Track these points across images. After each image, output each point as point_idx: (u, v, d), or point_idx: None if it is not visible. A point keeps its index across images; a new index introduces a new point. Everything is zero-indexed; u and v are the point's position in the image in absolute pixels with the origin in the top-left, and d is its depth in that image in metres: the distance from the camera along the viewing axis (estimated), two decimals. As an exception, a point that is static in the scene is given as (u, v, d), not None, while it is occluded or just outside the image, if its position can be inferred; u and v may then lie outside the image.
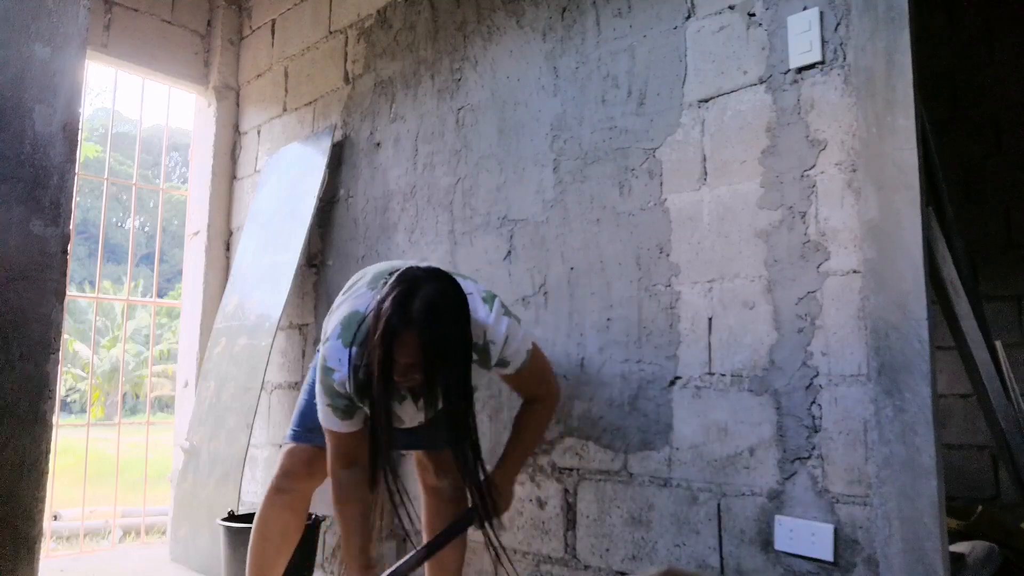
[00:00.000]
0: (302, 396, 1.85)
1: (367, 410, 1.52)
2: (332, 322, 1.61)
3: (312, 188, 2.79)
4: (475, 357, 1.55)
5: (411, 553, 1.66)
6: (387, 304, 1.41)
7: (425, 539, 1.93)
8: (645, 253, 1.86)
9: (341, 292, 1.75)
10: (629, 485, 1.84)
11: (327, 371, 1.54)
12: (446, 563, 1.87)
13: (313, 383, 1.81)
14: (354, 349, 1.51)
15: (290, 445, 1.82)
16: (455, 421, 1.48)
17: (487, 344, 1.58)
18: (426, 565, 1.91)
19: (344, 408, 1.55)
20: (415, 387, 1.48)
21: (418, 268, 1.50)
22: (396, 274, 1.48)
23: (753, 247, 1.66)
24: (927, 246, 1.43)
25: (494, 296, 1.62)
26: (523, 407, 1.74)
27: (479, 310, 1.57)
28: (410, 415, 1.67)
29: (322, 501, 1.92)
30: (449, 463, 1.85)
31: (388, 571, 1.61)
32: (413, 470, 2.05)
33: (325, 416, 1.58)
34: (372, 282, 1.63)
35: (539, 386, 1.71)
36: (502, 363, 1.62)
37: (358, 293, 1.62)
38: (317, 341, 2.38)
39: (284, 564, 1.84)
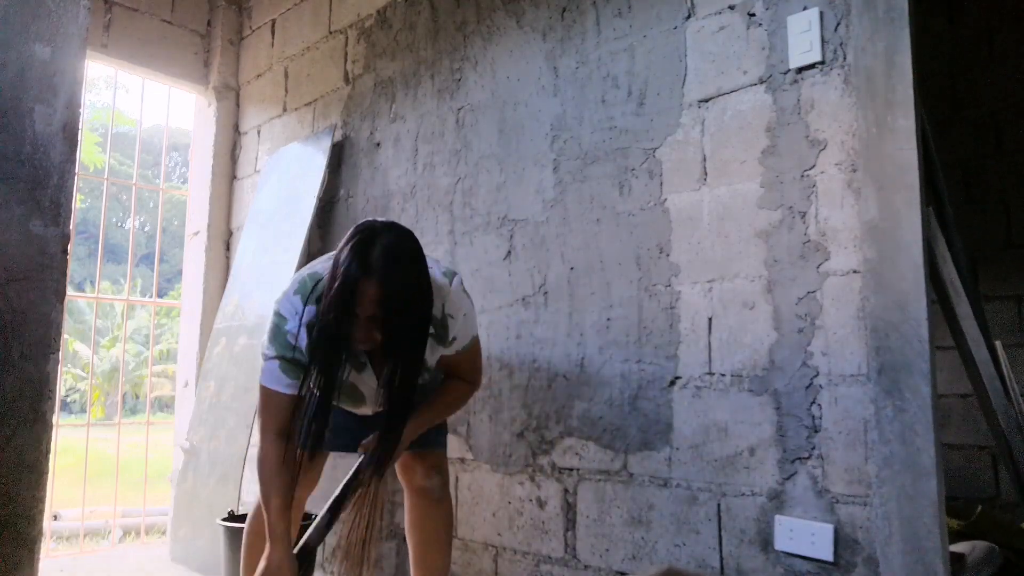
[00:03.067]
0: None
1: (315, 371, 1.51)
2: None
3: (312, 188, 2.79)
4: (432, 331, 1.56)
5: (318, 517, 1.64)
6: (345, 254, 1.41)
7: (409, 542, 1.91)
8: (645, 253, 1.86)
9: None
10: (629, 485, 1.84)
11: (280, 320, 1.53)
12: (433, 568, 1.86)
13: None
14: (310, 307, 1.52)
15: None
16: (403, 377, 1.49)
17: (445, 318, 1.59)
18: (412, 567, 1.90)
19: (294, 365, 1.53)
20: (372, 348, 1.48)
21: (375, 220, 1.50)
22: (354, 227, 1.48)
23: (753, 247, 1.67)
24: (927, 246, 1.43)
25: (454, 273, 1.63)
26: (446, 380, 1.74)
27: (439, 279, 1.57)
28: (370, 388, 1.66)
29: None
30: (436, 463, 1.84)
31: (304, 537, 1.60)
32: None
33: (271, 373, 1.54)
34: (333, 254, 1.63)
35: (471, 372, 1.74)
36: (451, 341, 1.63)
37: (317, 262, 1.63)
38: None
39: None
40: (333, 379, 1.51)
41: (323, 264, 1.59)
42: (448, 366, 1.71)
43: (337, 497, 1.66)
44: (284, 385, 1.54)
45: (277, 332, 1.54)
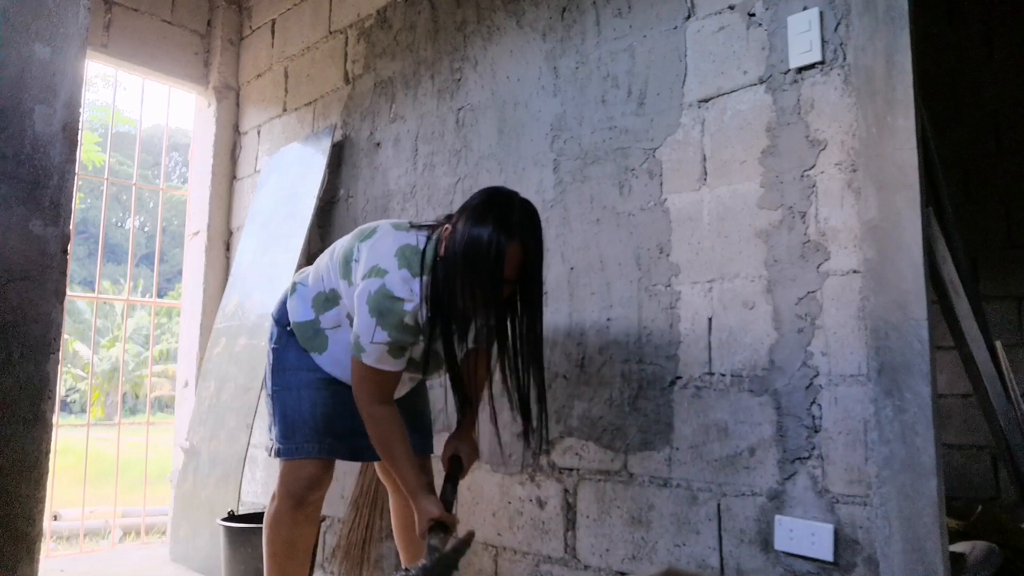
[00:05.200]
0: (279, 404, 1.72)
1: (426, 341, 1.52)
2: (366, 260, 1.55)
3: (312, 188, 2.79)
4: None
5: (442, 489, 1.67)
6: (490, 224, 1.41)
7: (399, 543, 1.91)
8: (645, 253, 1.86)
9: (333, 254, 1.69)
10: (629, 485, 1.83)
11: (395, 303, 1.48)
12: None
13: (288, 388, 1.71)
14: (425, 278, 1.48)
15: (295, 460, 1.69)
16: (535, 328, 1.52)
17: None
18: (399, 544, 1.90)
19: (406, 344, 1.53)
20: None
21: (500, 188, 1.53)
22: (479, 198, 1.49)
23: (753, 247, 1.67)
24: (927, 246, 1.43)
25: None
26: (476, 354, 1.73)
27: None
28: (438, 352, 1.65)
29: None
30: (421, 464, 1.81)
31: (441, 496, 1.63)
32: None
33: (376, 355, 1.51)
34: (396, 227, 1.60)
35: None
36: None
37: (389, 233, 1.58)
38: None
39: None
40: (457, 340, 1.53)
41: (406, 236, 1.55)
42: None
43: (453, 469, 1.69)
44: (391, 364, 1.54)
45: (390, 315, 1.49)
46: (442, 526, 1.54)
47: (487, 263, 1.40)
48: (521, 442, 2.08)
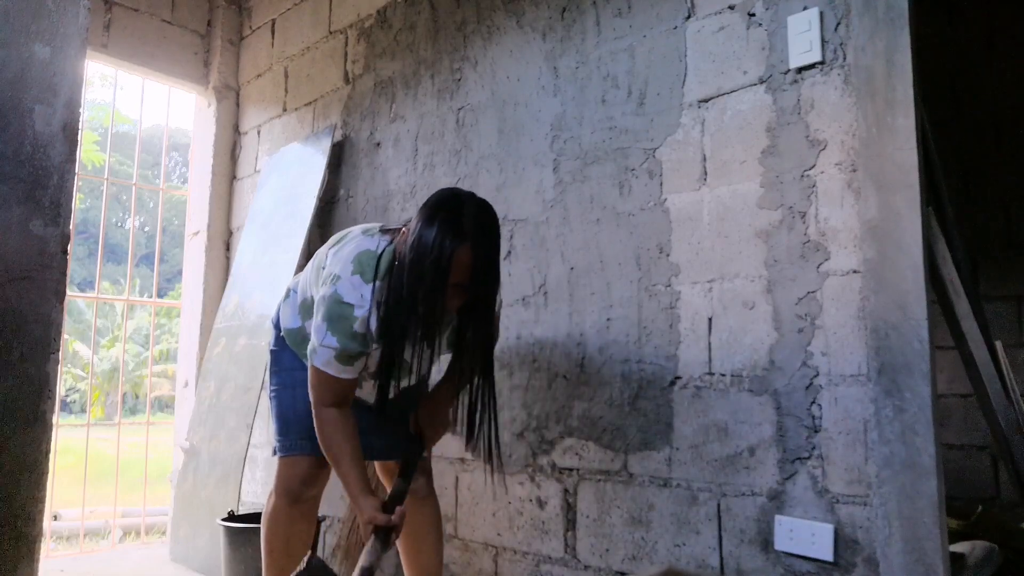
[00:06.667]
0: (276, 403, 1.75)
1: (381, 348, 1.49)
2: (329, 267, 1.54)
3: (312, 188, 2.79)
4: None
5: (395, 485, 1.63)
6: (436, 226, 1.39)
7: (399, 543, 1.88)
8: (645, 253, 1.86)
9: (314, 261, 1.70)
10: (629, 485, 1.84)
11: (344, 308, 1.47)
12: (426, 566, 1.85)
13: (284, 386, 1.74)
14: (377, 284, 1.47)
15: (290, 457, 1.71)
16: (485, 348, 1.52)
17: None
18: (405, 567, 1.89)
19: (355, 353, 1.50)
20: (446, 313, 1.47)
21: (454, 189, 1.51)
22: (431, 199, 1.47)
23: (753, 247, 1.67)
24: (927, 246, 1.43)
25: None
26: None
27: None
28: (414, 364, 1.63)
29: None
30: (420, 465, 1.81)
31: (391, 495, 1.59)
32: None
33: (326, 361, 1.50)
34: (365, 232, 1.59)
35: None
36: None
37: (355, 239, 1.57)
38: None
39: None
40: (402, 351, 1.49)
41: (368, 241, 1.54)
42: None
43: (405, 470, 1.66)
44: (339, 371, 1.52)
45: (340, 321, 1.47)
46: (382, 531, 1.49)
47: (431, 266, 1.38)
48: (521, 441, 2.08)
